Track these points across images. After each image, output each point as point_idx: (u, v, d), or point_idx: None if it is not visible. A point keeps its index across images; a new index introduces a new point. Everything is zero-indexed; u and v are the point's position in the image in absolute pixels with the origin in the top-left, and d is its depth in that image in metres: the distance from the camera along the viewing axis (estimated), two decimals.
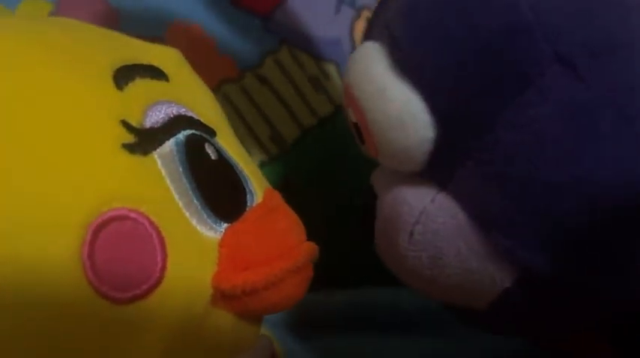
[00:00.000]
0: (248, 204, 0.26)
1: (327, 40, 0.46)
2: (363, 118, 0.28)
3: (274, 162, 0.44)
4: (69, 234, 0.21)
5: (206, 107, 0.27)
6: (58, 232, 0.21)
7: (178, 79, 0.27)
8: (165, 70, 0.26)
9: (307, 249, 0.26)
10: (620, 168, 0.24)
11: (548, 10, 0.25)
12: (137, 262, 0.22)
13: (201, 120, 0.26)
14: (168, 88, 0.26)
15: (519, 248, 0.26)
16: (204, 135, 0.25)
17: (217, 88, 0.42)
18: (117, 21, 0.41)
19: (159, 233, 0.22)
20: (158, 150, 0.24)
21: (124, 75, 0.24)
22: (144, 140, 0.23)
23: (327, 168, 0.45)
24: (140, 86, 0.25)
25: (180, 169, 0.24)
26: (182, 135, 0.24)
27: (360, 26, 0.47)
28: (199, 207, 0.24)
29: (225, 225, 0.24)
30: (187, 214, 0.24)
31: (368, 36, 0.30)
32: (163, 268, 0.22)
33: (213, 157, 0.25)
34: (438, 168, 0.27)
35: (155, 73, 0.26)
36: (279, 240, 0.25)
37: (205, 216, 0.24)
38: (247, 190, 0.26)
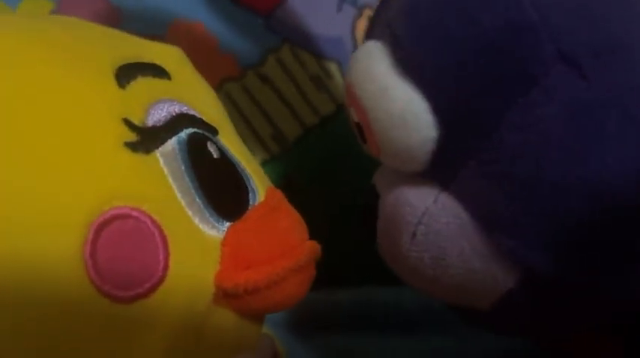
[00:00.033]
0: (250, 202, 0.26)
1: (329, 39, 0.46)
2: (365, 117, 0.28)
3: (276, 161, 0.44)
4: (71, 232, 0.21)
5: (208, 105, 0.27)
6: (60, 231, 0.21)
7: (180, 78, 0.27)
8: (167, 69, 0.26)
9: (309, 248, 0.26)
10: (626, 167, 0.24)
11: (551, 8, 0.24)
12: (139, 261, 0.22)
13: (204, 118, 0.26)
14: (170, 87, 0.26)
15: (523, 248, 0.26)
16: (206, 133, 0.25)
17: (219, 87, 0.42)
18: (118, 19, 0.41)
19: (161, 231, 0.22)
20: (160, 148, 0.24)
21: (126, 73, 0.24)
22: (146, 138, 0.23)
23: (329, 167, 0.45)
24: (142, 84, 0.25)
25: (183, 168, 0.24)
26: (184, 134, 0.24)
27: (362, 25, 0.47)
28: (202, 206, 0.24)
29: (227, 224, 0.24)
30: (190, 213, 0.24)
31: (370, 35, 0.30)
32: (166, 267, 0.22)
33: (215, 156, 0.25)
34: (441, 168, 0.27)
35: (157, 71, 0.26)
36: (281, 238, 0.25)
37: (208, 214, 0.24)
38: (249, 189, 0.26)
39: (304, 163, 0.44)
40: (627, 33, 0.25)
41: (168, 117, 0.24)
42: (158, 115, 0.24)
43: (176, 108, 0.25)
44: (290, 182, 0.43)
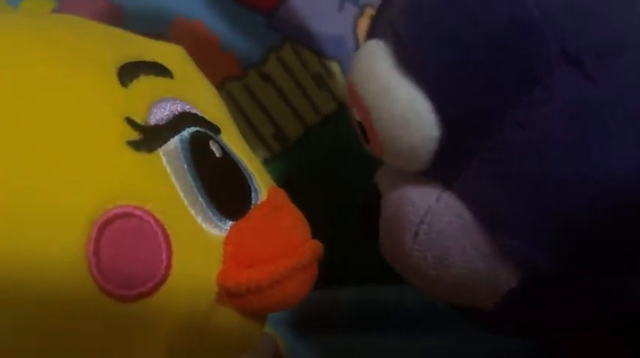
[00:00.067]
0: (253, 201, 0.26)
1: (330, 38, 0.46)
2: (368, 117, 0.28)
3: (277, 160, 0.44)
4: (74, 231, 0.21)
5: (210, 104, 0.27)
6: (63, 229, 0.21)
7: (182, 76, 0.27)
8: (169, 67, 0.26)
9: (312, 247, 0.26)
10: (628, 167, 0.24)
11: (555, 8, 0.24)
12: (142, 260, 0.22)
13: (206, 117, 0.26)
14: (172, 85, 0.26)
15: (526, 247, 0.26)
16: (208, 132, 0.25)
17: (220, 86, 0.42)
18: (120, 18, 0.41)
19: (164, 230, 0.22)
20: (163, 147, 0.24)
21: (129, 72, 0.24)
22: (149, 137, 0.23)
23: (331, 166, 0.45)
24: (144, 83, 0.25)
25: (185, 167, 0.24)
26: (187, 133, 0.24)
27: (364, 24, 0.47)
28: (204, 205, 0.24)
29: (230, 223, 0.24)
30: (192, 212, 0.24)
31: (372, 34, 0.30)
32: (168, 266, 0.22)
33: (217, 155, 0.25)
34: (443, 168, 0.27)
35: (159, 70, 0.26)
36: (283, 238, 0.25)
37: (210, 213, 0.24)
38: (252, 188, 0.26)
39: (305, 162, 0.44)
40: (632, 33, 0.25)
41: (171, 116, 0.24)
42: (161, 114, 0.24)
43: (179, 107, 0.25)
44: (291, 181, 0.43)
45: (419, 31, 0.27)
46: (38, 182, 0.21)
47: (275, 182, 0.28)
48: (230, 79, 0.43)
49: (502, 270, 0.27)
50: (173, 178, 0.23)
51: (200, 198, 0.24)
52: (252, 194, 0.26)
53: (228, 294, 0.24)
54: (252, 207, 0.25)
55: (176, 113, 0.25)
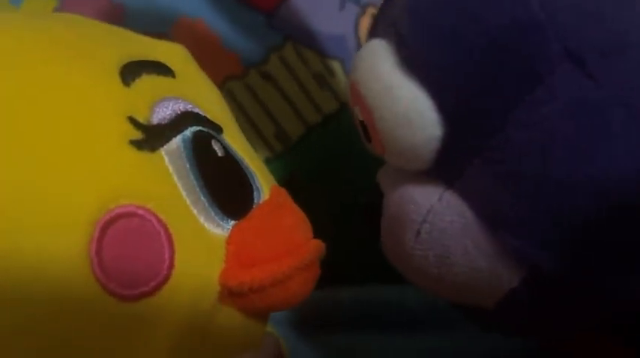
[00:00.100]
0: (255, 201, 0.26)
1: (332, 37, 0.46)
2: (370, 116, 0.28)
3: (278, 159, 0.44)
4: (77, 230, 0.21)
5: (212, 103, 0.27)
6: (65, 229, 0.21)
7: (185, 76, 0.27)
8: (171, 67, 0.26)
9: (314, 247, 0.26)
10: (631, 166, 0.24)
11: (557, 7, 0.24)
12: (145, 259, 0.22)
13: (208, 116, 0.26)
14: (174, 84, 0.26)
15: (528, 247, 0.26)
16: (210, 131, 0.25)
17: (222, 85, 0.42)
18: (122, 17, 0.41)
19: (166, 230, 0.22)
20: (165, 146, 0.24)
21: (131, 71, 0.24)
22: (151, 136, 0.23)
23: (332, 166, 0.45)
24: (147, 82, 0.25)
25: (188, 166, 0.24)
26: (189, 132, 0.24)
27: (365, 23, 0.47)
28: (207, 204, 0.24)
29: (232, 222, 0.24)
30: (195, 211, 0.24)
31: (374, 33, 0.30)
32: (171, 265, 0.22)
33: (220, 154, 0.25)
34: (446, 167, 0.27)
35: (162, 69, 0.26)
36: (286, 237, 0.25)
37: (213, 213, 0.24)
38: (254, 187, 0.26)
39: (307, 162, 0.44)
40: (634, 32, 0.25)
41: (173, 115, 0.24)
42: (163, 113, 0.24)
43: (181, 106, 0.25)
44: (292, 180, 0.43)
45: (421, 31, 0.27)
46: (40, 182, 0.21)
47: (277, 181, 0.28)
48: (231, 78, 0.43)
49: (504, 270, 0.27)
50: (175, 178, 0.23)
51: (202, 198, 0.24)
52: (255, 193, 0.26)
53: (230, 294, 0.24)
54: (254, 206, 0.25)
55: (178, 112, 0.25)
